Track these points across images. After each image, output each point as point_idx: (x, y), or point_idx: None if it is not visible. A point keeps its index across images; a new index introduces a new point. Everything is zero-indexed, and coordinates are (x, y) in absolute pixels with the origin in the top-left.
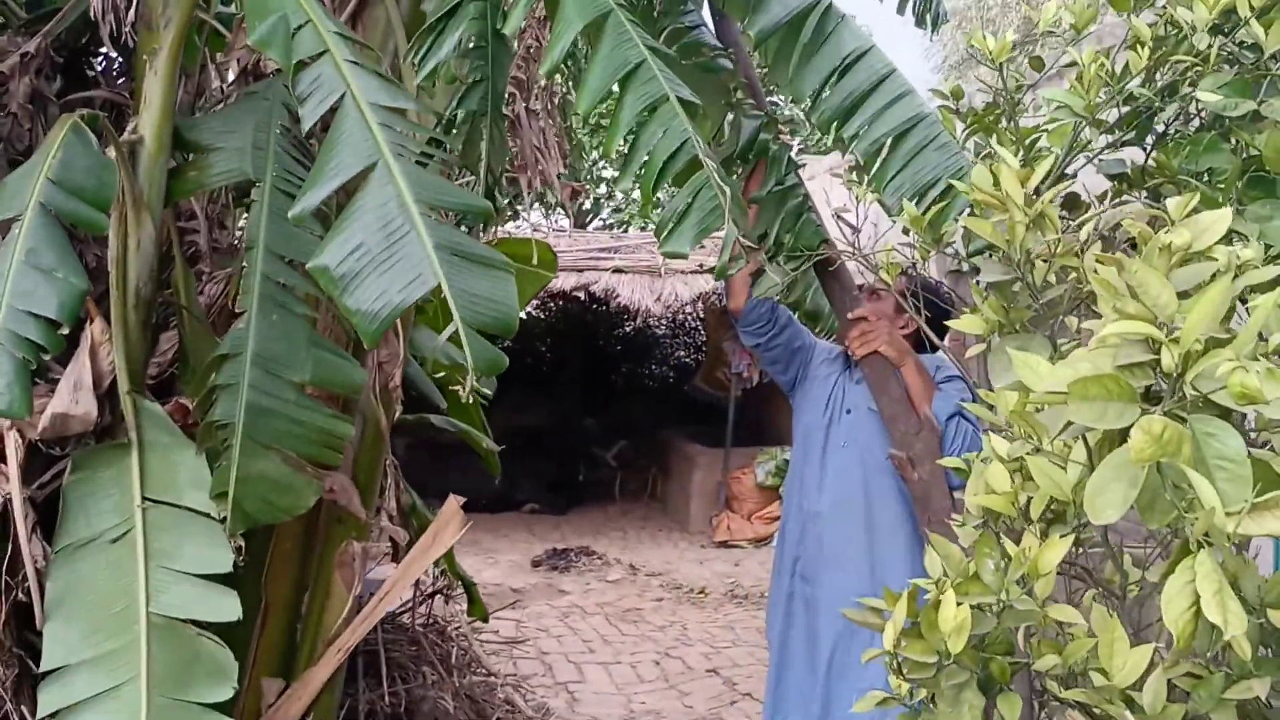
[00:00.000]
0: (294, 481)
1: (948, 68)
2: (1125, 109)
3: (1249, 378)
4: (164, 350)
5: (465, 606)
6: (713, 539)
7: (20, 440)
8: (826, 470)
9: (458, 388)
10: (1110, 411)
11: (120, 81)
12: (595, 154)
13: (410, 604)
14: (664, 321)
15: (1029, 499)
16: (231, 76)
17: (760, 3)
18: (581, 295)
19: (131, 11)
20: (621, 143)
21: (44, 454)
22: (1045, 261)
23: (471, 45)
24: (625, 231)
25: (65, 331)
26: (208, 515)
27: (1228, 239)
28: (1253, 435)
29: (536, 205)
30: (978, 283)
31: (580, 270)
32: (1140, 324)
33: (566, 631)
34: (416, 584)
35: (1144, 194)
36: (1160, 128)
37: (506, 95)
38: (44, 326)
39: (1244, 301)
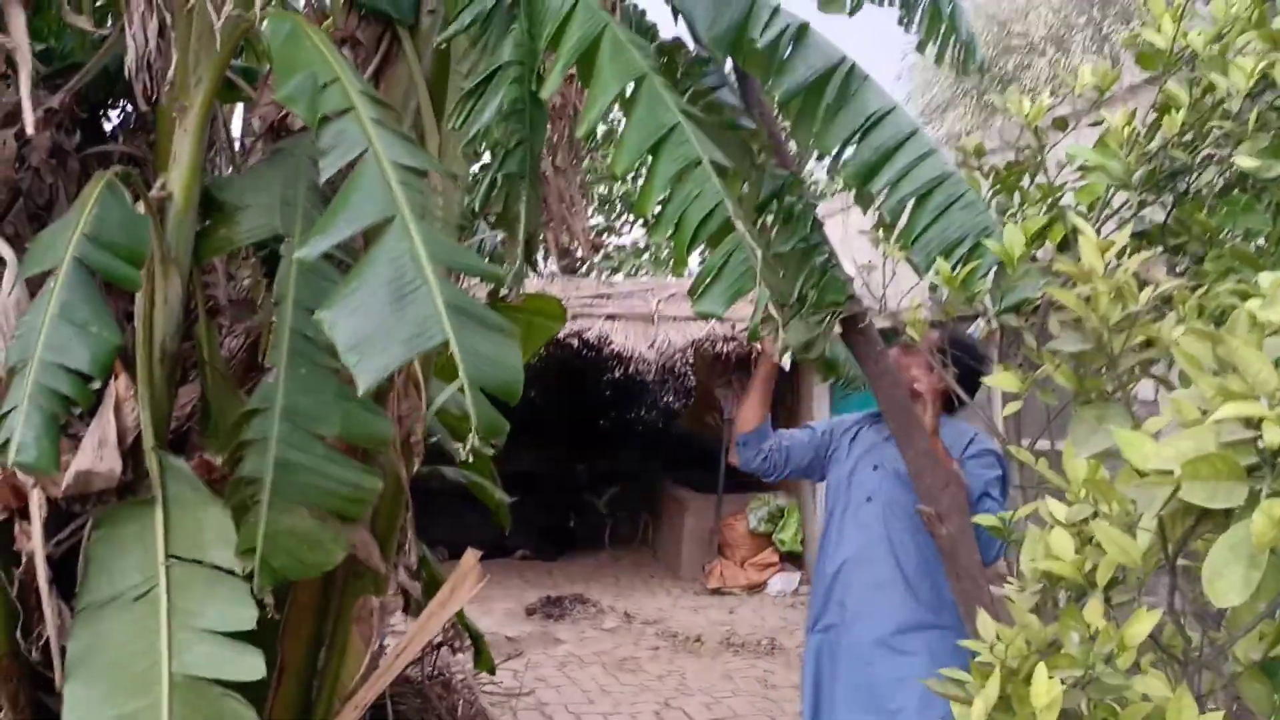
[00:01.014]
0: (322, 537)
1: (930, 110)
2: (1149, 168)
3: None
4: (183, 404)
5: (470, 657)
6: (706, 586)
7: (43, 498)
8: (845, 526)
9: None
10: (1220, 491)
11: (137, 135)
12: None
13: (421, 658)
14: (654, 366)
15: (1094, 565)
16: (243, 128)
17: (784, 64)
18: (574, 342)
19: (157, 68)
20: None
21: (63, 510)
22: (1121, 331)
23: (510, 109)
24: (615, 274)
25: (96, 386)
26: (232, 572)
27: None
28: None
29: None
30: (1050, 350)
31: (574, 317)
32: (1250, 404)
33: (565, 681)
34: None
35: (1163, 250)
36: (1181, 187)
37: None
38: (75, 381)
39: None
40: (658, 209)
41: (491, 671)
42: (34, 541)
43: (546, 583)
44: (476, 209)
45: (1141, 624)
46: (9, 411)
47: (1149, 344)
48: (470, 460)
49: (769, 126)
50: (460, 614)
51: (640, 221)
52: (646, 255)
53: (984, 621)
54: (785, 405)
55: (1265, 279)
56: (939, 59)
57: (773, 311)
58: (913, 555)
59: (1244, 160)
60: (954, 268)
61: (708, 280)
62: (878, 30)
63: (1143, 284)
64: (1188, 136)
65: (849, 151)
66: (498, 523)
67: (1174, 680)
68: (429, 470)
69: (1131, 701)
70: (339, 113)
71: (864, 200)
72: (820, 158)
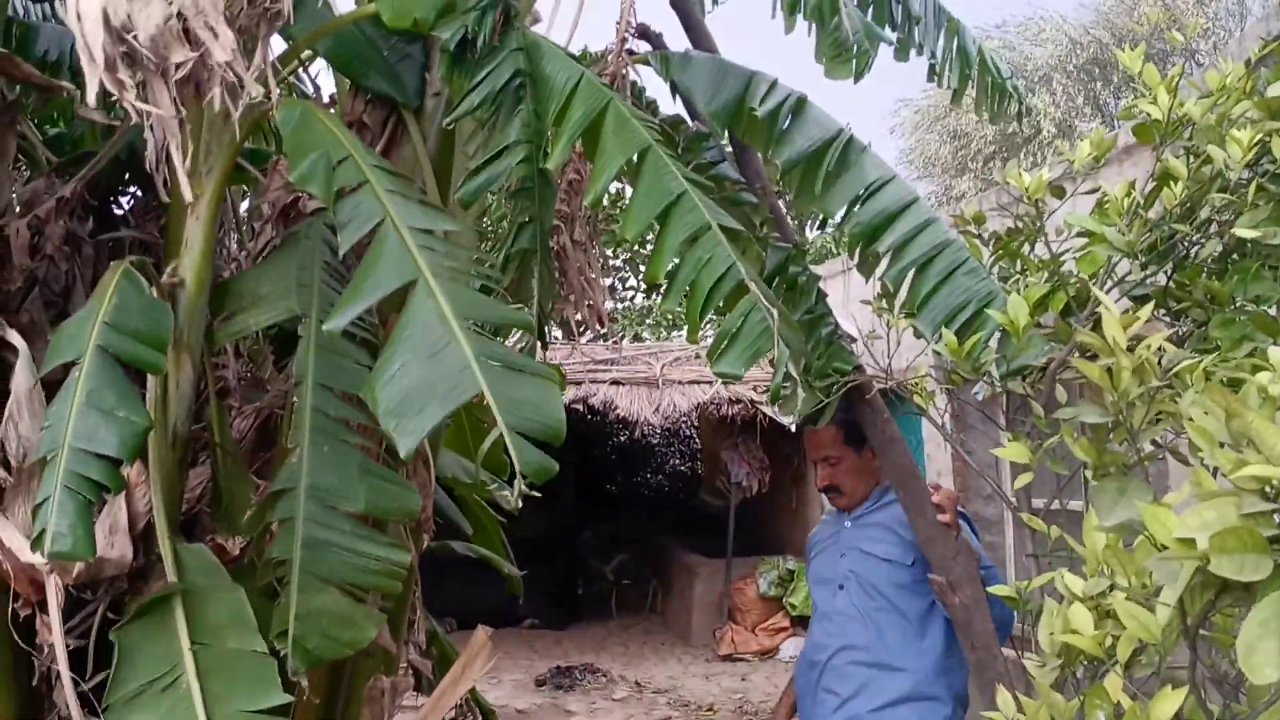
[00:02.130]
0: (354, 615)
1: (925, 165)
2: (1150, 237)
3: None
4: (193, 487)
5: None
6: (717, 652)
7: (60, 584)
8: (826, 620)
9: (483, 505)
10: (1249, 564)
11: (148, 221)
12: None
13: None
14: (659, 430)
15: (1113, 639)
16: (249, 209)
17: (784, 135)
18: (579, 407)
19: (174, 157)
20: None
21: (73, 598)
22: (1143, 404)
23: (520, 187)
24: (620, 341)
25: (127, 471)
26: (254, 652)
27: None
28: None
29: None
30: (1066, 420)
31: (579, 383)
32: (1269, 467)
33: None
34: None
35: (1165, 313)
36: (1181, 252)
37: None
38: (106, 466)
39: None
40: (669, 276)
41: None
42: (54, 633)
43: (556, 652)
44: (494, 286)
45: (1167, 703)
46: (42, 502)
47: (1160, 416)
48: (499, 519)
49: (769, 199)
50: (472, 690)
51: (646, 288)
52: (649, 320)
53: (1002, 697)
54: (793, 466)
55: (1275, 353)
56: (978, 108)
57: (793, 371)
58: (895, 629)
59: (1244, 231)
60: (958, 334)
61: (725, 343)
62: (869, 83)
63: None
64: (1187, 206)
65: (851, 215)
66: (508, 591)
67: None
68: (439, 545)
69: None
70: (354, 187)
71: (867, 268)
72: (822, 225)
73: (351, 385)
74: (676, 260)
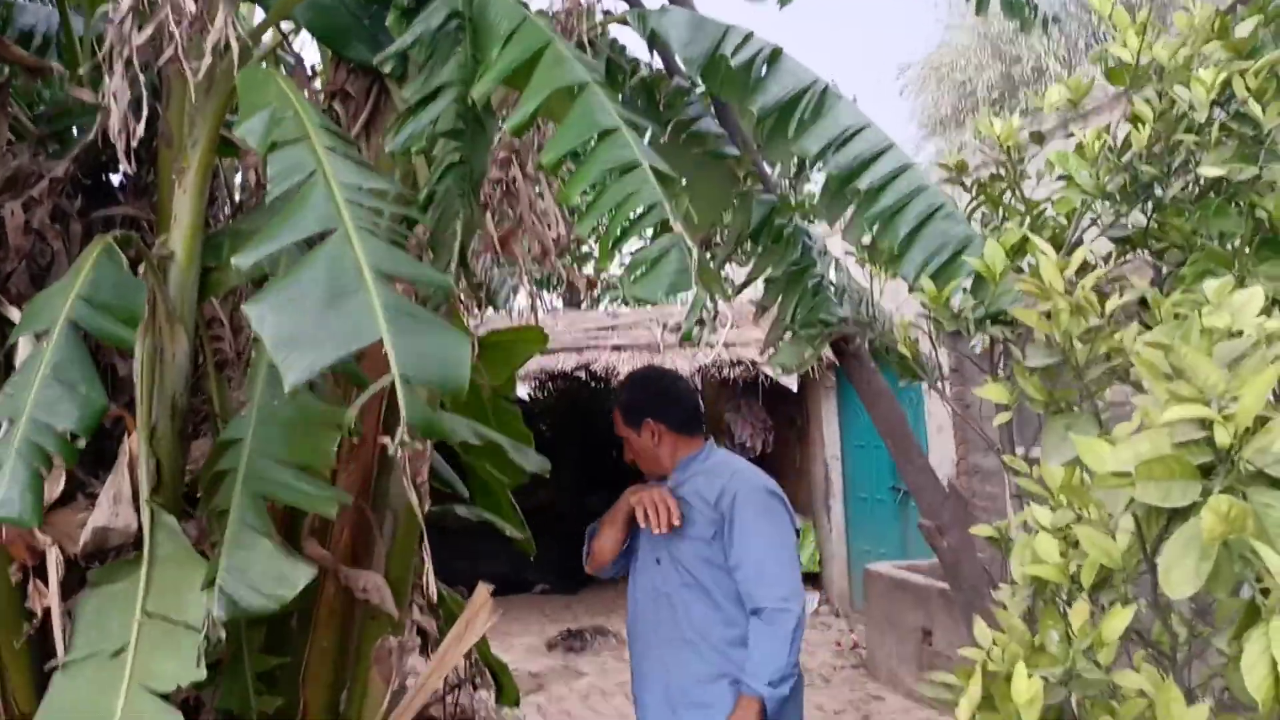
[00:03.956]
0: (284, 569)
1: (934, 123)
2: (1125, 178)
3: None
4: (195, 458)
5: (493, 693)
6: None
7: (60, 556)
8: (638, 591)
9: (490, 471)
10: (1174, 490)
11: (141, 196)
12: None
13: (442, 694)
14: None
15: (1078, 567)
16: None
17: (758, 83)
18: (581, 374)
19: (142, 129)
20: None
21: (82, 568)
22: (1085, 343)
23: (451, 128)
24: (622, 307)
25: (82, 445)
26: (187, 625)
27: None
28: None
29: (531, 287)
30: (1024, 364)
31: (580, 350)
32: (1197, 407)
33: (589, 713)
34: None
35: (1148, 254)
36: (1158, 193)
37: (502, 162)
38: (61, 440)
39: None
40: (588, 206)
41: (515, 704)
42: (51, 599)
43: (566, 616)
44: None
45: (1117, 620)
46: None
47: (1118, 353)
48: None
49: (751, 154)
50: (484, 648)
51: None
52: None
53: (979, 628)
54: (796, 426)
55: (1210, 286)
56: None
57: (706, 313)
58: (700, 604)
59: (1208, 170)
60: (936, 280)
61: (643, 269)
62: (872, 45)
63: (1123, 291)
64: (1156, 148)
65: (826, 159)
66: (520, 556)
67: (1165, 675)
68: (441, 509)
69: (1128, 698)
70: (291, 141)
71: (832, 212)
72: (798, 174)
73: None
74: (595, 189)
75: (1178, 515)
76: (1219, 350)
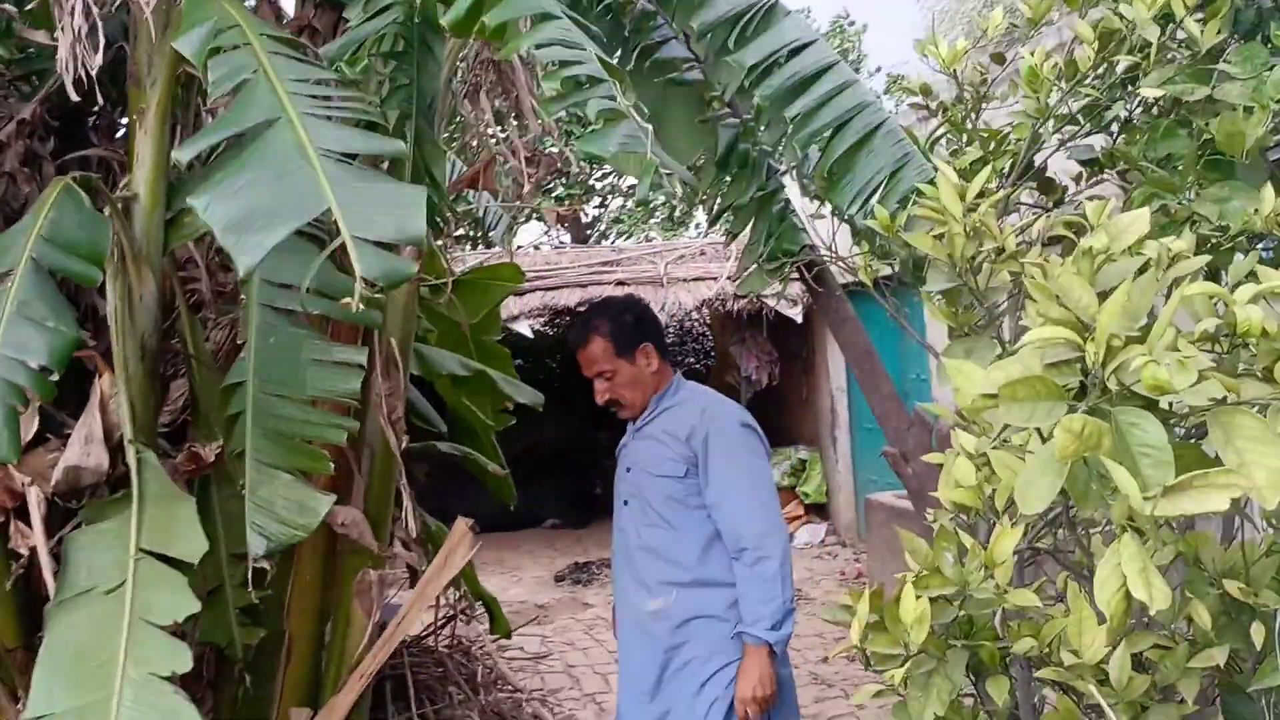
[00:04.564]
0: (304, 498)
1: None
2: (1083, 102)
3: (1160, 370)
4: (175, 398)
5: (488, 625)
6: None
7: (40, 495)
8: (614, 530)
9: (472, 410)
10: (1039, 411)
11: (115, 139)
12: (592, 171)
13: (433, 627)
14: (670, 330)
15: (993, 491)
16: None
17: (705, 1)
18: (585, 310)
19: (95, 66)
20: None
21: (62, 509)
22: (989, 266)
23: (397, 49)
24: (626, 241)
25: (56, 378)
26: (189, 564)
27: (1191, 222)
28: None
29: (514, 219)
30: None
31: (584, 285)
32: (1059, 328)
33: (592, 644)
34: (438, 606)
35: (1115, 175)
36: (1122, 115)
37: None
38: (35, 375)
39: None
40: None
41: (508, 636)
42: (36, 536)
43: (576, 550)
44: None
45: (1007, 540)
46: None
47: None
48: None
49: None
50: (472, 581)
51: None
52: (653, 219)
53: (910, 542)
54: (801, 359)
55: (1090, 208)
56: None
57: (671, 185)
58: (669, 544)
59: (1149, 90)
60: (875, 201)
61: (598, 128)
62: None
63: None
64: (1102, 70)
65: (767, 75)
66: (530, 491)
67: (1083, 591)
68: (421, 446)
69: (1050, 618)
70: (231, 47)
71: (773, 131)
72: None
73: (294, 276)
74: (539, 46)
75: None
76: (1110, 271)
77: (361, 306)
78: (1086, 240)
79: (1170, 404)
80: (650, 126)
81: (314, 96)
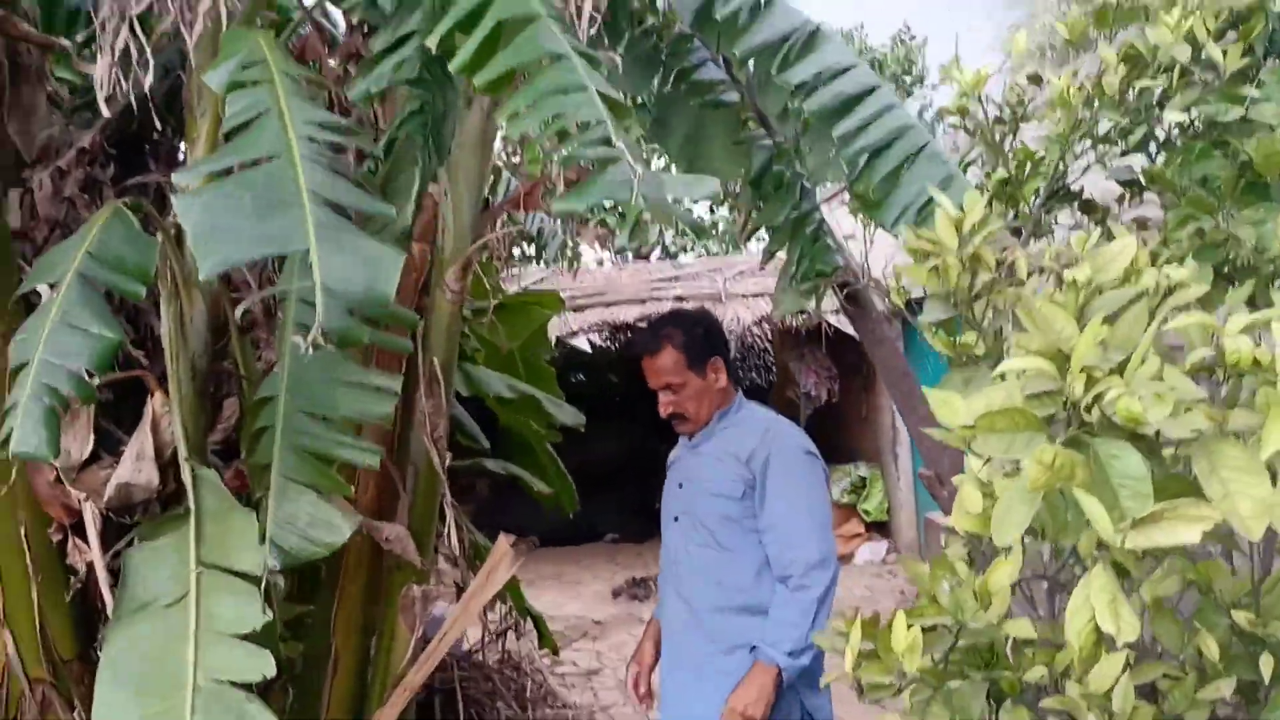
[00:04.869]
0: (330, 517)
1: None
2: (1110, 125)
3: (1133, 402)
4: (227, 417)
5: (537, 641)
6: None
7: (96, 510)
8: (664, 547)
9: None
10: (1017, 442)
11: (173, 164)
12: None
13: (482, 642)
14: (730, 346)
15: None
16: None
17: (746, 27)
18: (645, 326)
19: (143, 88)
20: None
21: (117, 525)
22: (981, 298)
23: (414, 76)
24: (685, 252)
25: (98, 381)
26: (255, 576)
27: (1224, 248)
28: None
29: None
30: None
31: (643, 301)
32: (1032, 359)
33: None
34: (485, 621)
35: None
36: (1160, 135)
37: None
38: (76, 378)
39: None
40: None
41: (555, 651)
42: (93, 551)
43: (636, 564)
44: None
45: (1002, 571)
46: (10, 408)
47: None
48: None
49: (753, 100)
50: (518, 596)
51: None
52: (713, 236)
53: (912, 572)
54: (861, 374)
55: (1075, 239)
56: None
57: (648, 217)
58: (709, 574)
59: (1173, 114)
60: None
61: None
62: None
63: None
64: (1129, 94)
65: (812, 95)
66: (590, 505)
67: None
68: (469, 464)
69: (1061, 647)
70: (253, 83)
71: (816, 154)
72: (783, 114)
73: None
74: (532, 104)
75: None
76: (1106, 300)
77: (312, 351)
78: (1070, 272)
79: (1158, 435)
80: (640, 170)
81: (317, 141)
